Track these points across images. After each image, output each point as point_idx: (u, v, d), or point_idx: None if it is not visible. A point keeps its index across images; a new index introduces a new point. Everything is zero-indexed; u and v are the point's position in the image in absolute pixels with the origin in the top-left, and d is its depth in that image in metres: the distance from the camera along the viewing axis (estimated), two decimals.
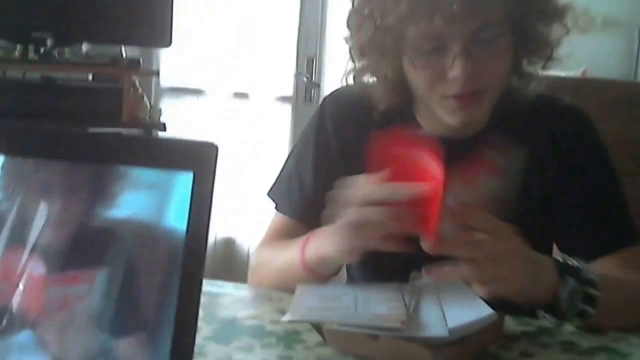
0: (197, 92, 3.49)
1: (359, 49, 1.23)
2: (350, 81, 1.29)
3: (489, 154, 0.95)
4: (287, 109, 3.50)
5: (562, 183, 1.28)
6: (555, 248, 1.33)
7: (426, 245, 0.96)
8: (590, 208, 1.27)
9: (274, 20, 3.43)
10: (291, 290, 1.12)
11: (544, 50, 1.24)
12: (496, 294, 1.00)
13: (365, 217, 1.02)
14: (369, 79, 1.28)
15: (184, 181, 0.64)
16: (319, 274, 1.17)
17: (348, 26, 1.25)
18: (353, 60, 1.26)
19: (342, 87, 1.38)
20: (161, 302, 0.65)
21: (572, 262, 1.09)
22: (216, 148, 0.66)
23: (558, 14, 1.21)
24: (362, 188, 1.04)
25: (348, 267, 1.44)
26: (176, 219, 0.63)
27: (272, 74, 3.47)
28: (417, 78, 1.20)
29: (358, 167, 1.06)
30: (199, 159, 0.65)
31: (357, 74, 1.27)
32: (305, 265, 1.16)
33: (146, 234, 0.65)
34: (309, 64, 3.47)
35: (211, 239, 3.49)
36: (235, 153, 3.42)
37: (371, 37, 1.19)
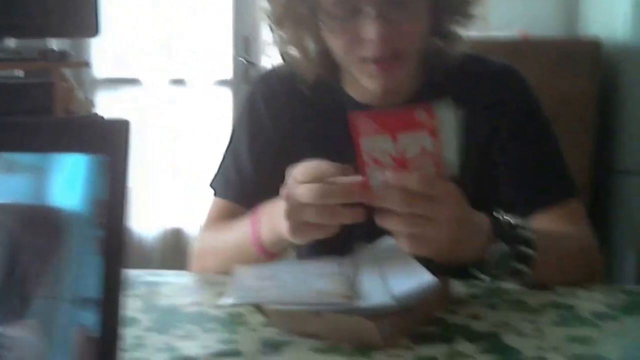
0: (132, 81, 3.40)
1: (276, 20, 1.23)
2: (277, 54, 1.29)
3: (421, 114, 0.93)
4: (228, 92, 3.45)
5: (499, 142, 1.27)
6: None
7: (357, 192, 0.96)
8: (527, 165, 1.27)
9: (208, 2, 3.37)
10: None
11: (462, 7, 1.24)
12: (419, 253, 0.99)
13: (303, 194, 0.99)
14: (291, 51, 1.26)
15: (81, 163, 0.60)
16: (274, 253, 1.15)
17: None
18: (273, 32, 1.25)
19: (270, 69, 1.39)
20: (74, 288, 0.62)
21: (510, 220, 1.07)
22: (127, 124, 0.62)
23: None
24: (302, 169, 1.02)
25: None
26: (73, 200, 0.59)
27: (209, 57, 3.41)
28: (335, 44, 1.19)
29: (294, 143, 1.03)
30: (108, 139, 0.62)
31: (279, 45, 1.26)
32: (260, 247, 1.14)
33: (31, 217, 0.61)
34: (246, 44, 3.42)
35: (160, 230, 3.44)
36: (177, 141, 3.36)
37: (286, 5, 1.20)
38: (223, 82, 3.45)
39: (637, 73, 2.77)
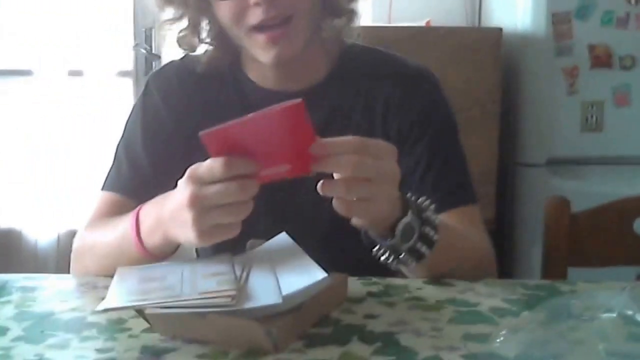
0: (24, 73, 3.24)
1: None
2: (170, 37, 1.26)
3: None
4: (128, 83, 3.33)
5: (406, 142, 1.25)
6: None
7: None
8: (431, 168, 1.25)
9: None
10: None
11: None
12: (364, 216, 0.96)
13: (216, 193, 0.91)
14: (184, 32, 1.24)
15: None
16: (160, 255, 1.08)
17: None
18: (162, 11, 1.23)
19: (164, 64, 1.36)
20: None
21: (420, 199, 1.05)
22: None
23: None
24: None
25: None
26: None
27: (109, 48, 3.28)
28: (224, 15, 1.16)
29: (191, 135, 0.98)
30: None
31: (169, 24, 1.23)
32: (144, 250, 1.07)
33: None
34: (147, 35, 3.31)
35: (54, 233, 3.29)
36: (74, 137, 3.23)
37: None
38: (124, 74, 3.33)
39: (536, 62, 2.80)
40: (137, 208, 1.10)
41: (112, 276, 1.01)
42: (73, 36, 3.22)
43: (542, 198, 1.53)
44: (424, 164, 1.24)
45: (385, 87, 1.27)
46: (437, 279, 1.10)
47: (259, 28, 1.14)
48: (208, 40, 1.25)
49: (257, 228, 1.01)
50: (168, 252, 1.08)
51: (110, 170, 1.30)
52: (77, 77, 3.25)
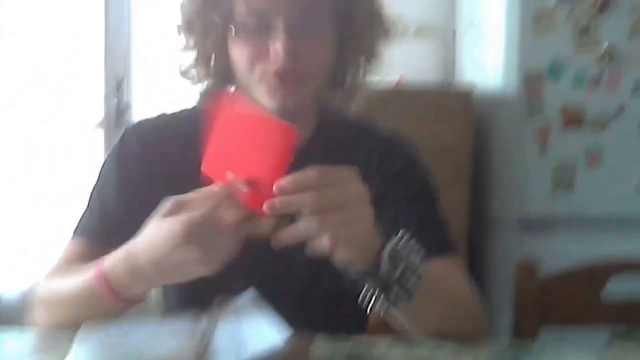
0: None
1: (187, 24, 1.23)
2: (182, 62, 1.27)
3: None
4: (100, 134, 3.30)
5: (385, 203, 1.24)
6: None
7: (266, 205, 0.91)
8: (411, 219, 1.25)
9: (79, 43, 3.23)
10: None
11: (367, 55, 1.28)
12: (341, 243, 0.94)
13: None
14: (192, 59, 1.26)
15: None
16: (127, 297, 1.05)
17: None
18: (179, 35, 1.25)
19: (142, 119, 1.36)
20: None
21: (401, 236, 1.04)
22: None
23: (385, 27, 1.27)
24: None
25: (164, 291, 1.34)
26: None
27: (80, 98, 3.25)
28: (240, 55, 1.20)
29: (167, 185, 1.05)
30: None
31: (184, 51, 1.26)
32: (108, 288, 1.04)
33: None
34: (118, 85, 3.29)
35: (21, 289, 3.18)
36: (41, 185, 3.18)
37: (200, 8, 1.21)
38: (94, 125, 3.29)
39: (508, 122, 2.82)
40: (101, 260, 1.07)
41: (68, 328, 1.00)
42: (43, 86, 3.19)
43: (514, 257, 1.53)
44: (402, 220, 1.24)
45: (362, 152, 1.30)
46: (417, 335, 1.08)
47: (274, 74, 1.17)
48: (211, 69, 1.26)
49: (229, 287, 1.01)
50: (136, 289, 1.06)
51: (82, 216, 1.28)
52: (47, 126, 3.21)
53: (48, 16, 3.18)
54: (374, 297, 1.00)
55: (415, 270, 1.01)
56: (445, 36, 3.35)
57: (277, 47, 1.15)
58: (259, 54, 1.17)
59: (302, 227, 0.92)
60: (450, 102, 2.82)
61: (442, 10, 3.34)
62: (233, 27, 1.19)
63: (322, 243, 0.93)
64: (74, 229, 1.27)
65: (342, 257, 0.96)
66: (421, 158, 1.34)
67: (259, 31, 1.17)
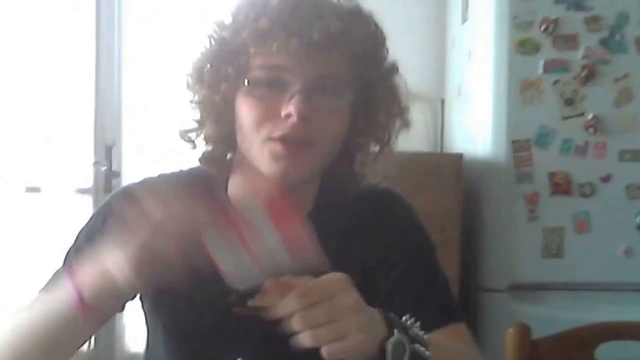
0: None
1: (197, 74, 1.18)
2: (184, 122, 1.23)
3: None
4: (88, 201, 3.29)
5: (382, 263, 1.23)
6: None
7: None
8: (415, 291, 1.22)
9: (69, 109, 3.25)
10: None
11: (382, 136, 1.24)
12: (340, 353, 0.91)
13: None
14: (198, 119, 1.22)
15: None
16: (97, 306, 1.00)
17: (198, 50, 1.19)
18: (188, 89, 1.20)
19: (128, 184, 1.31)
20: None
21: (402, 318, 1.02)
22: None
23: (403, 109, 1.23)
24: None
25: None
26: None
27: (69, 164, 3.25)
28: (248, 113, 1.13)
29: None
30: None
31: (191, 104, 1.21)
32: (80, 298, 0.99)
33: None
34: (107, 152, 3.29)
35: None
36: (29, 251, 3.15)
37: (214, 59, 1.16)
38: (83, 191, 3.29)
39: (497, 188, 2.82)
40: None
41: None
42: (31, 152, 3.19)
43: (504, 323, 1.51)
44: (406, 284, 1.21)
45: (359, 215, 1.26)
46: None
47: (281, 138, 1.11)
48: (214, 121, 1.21)
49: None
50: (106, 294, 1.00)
51: (56, 273, 1.24)
52: (34, 193, 3.20)
53: (39, 79, 3.20)
54: None
55: (422, 353, 0.99)
56: (434, 104, 3.39)
57: (290, 110, 1.09)
58: (269, 115, 1.11)
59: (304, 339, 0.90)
60: (439, 167, 2.83)
61: (430, 79, 3.39)
62: (247, 81, 1.13)
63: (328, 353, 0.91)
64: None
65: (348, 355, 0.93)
66: (418, 218, 1.31)
67: (273, 89, 1.11)
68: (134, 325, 3.19)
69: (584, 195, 2.77)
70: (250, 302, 0.92)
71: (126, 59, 3.31)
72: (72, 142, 3.26)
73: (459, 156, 2.88)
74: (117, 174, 3.26)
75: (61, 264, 1.26)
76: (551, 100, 2.74)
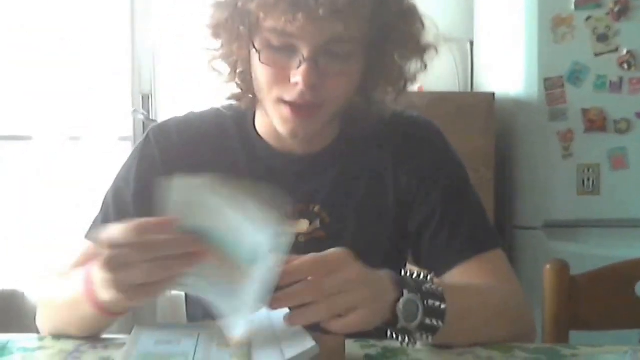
0: (24, 138, 3.26)
1: (214, 28, 1.18)
2: (205, 64, 1.23)
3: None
4: (128, 147, 3.35)
5: (421, 195, 1.25)
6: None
7: (271, 300, 0.90)
8: (448, 218, 1.24)
9: (105, 59, 3.28)
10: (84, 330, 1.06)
11: (398, 82, 1.23)
12: (352, 325, 0.93)
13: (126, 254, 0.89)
14: (217, 66, 1.23)
15: None
16: (115, 313, 1.02)
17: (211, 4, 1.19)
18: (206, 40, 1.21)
19: (167, 119, 1.33)
20: None
21: (415, 274, 1.03)
22: None
23: (420, 51, 1.21)
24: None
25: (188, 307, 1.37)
26: None
27: (108, 113, 3.31)
28: (260, 75, 1.15)
29: None
30: None
31: (209, 56, 1.22)
32: (98, 305, 0.99)
33: None
34: (144, 101, 3.35)
35: None
36: (73, 199, 3.23)
37: (227, 18, 1.15)
38: (123, 138, 3.35)
39: (530, 127, 2.83)
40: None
41: (68, 334, 1.06)
42: (72, 102, 3.25)
43: (540, 261, 1.52)
44: (438, 215, 1.24)
45: (393, 144, 1.27)
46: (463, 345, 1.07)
47: (290, 103, 1.13)
48: (235, 77, 1.22)
49: None
50: (122, 307, 1.00)
51: (96, 218, 1.28)
52: (76, 142, 3.27)
53: (76, 34, 3.24)
54: (401, 342, 1.00)
55: (437, 308, 1.00)
56: (463, 45, 3.37)
57: (297, 76, 1.09)
58: (278, 79, 1.12)
59: (309, 314, 0.91)
60: (471, 107, 2.83)
61: (459, 20, 3.36)
62: (258, 42, 1.13)
63: (333, 326, 0.92)
64: (86, 231, 1.26)
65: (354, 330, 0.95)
66: (450, 145, 1.32)
67: (283, 54, 1.11)
68: None
69: (620, 132, 2.77)
70: None
71: (160, 12, 3.33)
72: (111, 92, 3.31)
73: (491, 95, 2.88)
74: (154, 121, 3.32)
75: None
76: (584, 37, 2.73)
